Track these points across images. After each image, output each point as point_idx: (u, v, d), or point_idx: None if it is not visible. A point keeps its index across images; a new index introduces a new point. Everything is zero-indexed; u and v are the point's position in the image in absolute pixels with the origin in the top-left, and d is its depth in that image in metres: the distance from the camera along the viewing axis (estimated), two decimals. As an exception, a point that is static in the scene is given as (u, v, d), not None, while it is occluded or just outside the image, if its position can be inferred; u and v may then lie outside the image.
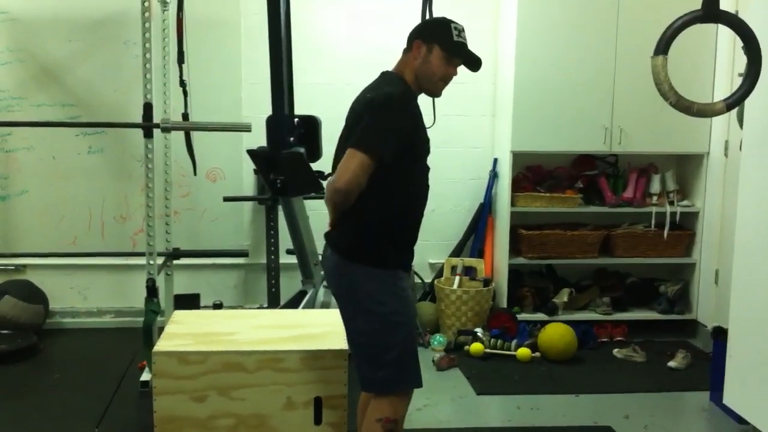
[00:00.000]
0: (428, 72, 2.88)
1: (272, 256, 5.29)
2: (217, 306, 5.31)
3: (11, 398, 4.24)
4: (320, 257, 4.93)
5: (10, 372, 4.62)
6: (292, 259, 4.97)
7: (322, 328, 3.20)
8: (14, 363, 4.73)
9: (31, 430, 3.83)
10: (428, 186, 2.99)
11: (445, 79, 2.93)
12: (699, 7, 3.13)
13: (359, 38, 5.48)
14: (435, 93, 2.96)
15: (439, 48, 2.86)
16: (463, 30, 2.91)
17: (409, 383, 2.90)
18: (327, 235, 3.00)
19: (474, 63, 2.94)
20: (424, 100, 2.93)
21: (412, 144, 2.81)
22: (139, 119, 4.31)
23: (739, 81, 3.24)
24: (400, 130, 2.75)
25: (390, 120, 2.75)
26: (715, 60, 5.18)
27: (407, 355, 2.87)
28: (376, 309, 2.81)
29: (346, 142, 2.80)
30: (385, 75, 2.95)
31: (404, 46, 2.96)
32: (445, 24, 2.90)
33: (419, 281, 5.60)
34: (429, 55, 2.87)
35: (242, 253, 5.41)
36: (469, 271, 5.49)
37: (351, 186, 2.69)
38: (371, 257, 2.82)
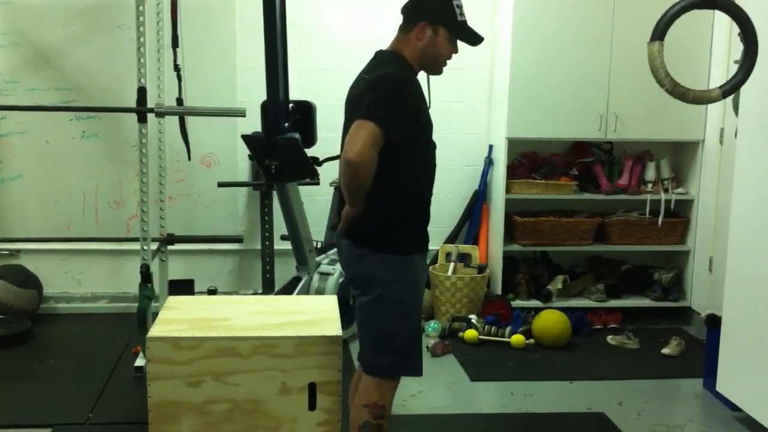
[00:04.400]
0: (435, 54, 2.85)
1: (267, 242, 5.28)
2: (212, 292, 5.31)
3: (5, 383, 4.23)
4: (317, 243, 4.94)
5: (4, 357, 4.61)
6: (287, 245, 4.97)
7: (317, 314, 3.20)
8: (8, 348, 4.72)
9: (26, 415, 3.83)
10: (435, 164, 2.97)
11: (449, 59, 2.91)
12: (695, -7, 3.12)
13: (355, 23, 5.45)
14: (438, 72, 2.94)
15: (445, 30, 2.83)
16: (462, 5, 2.88)
17: (411, 370, 2.92)
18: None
19: (476, 40, 2.91)
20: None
21: (417, 124, 2.78)
22: (133, 104, 4.29)
23: (734, 68, 3.23)
24: (403, 110, 2.72)
25: (393, 99, 2.71)
26: (711, 47, 5.17)
27: (413, 343, 2.89)
28: (388, 295, 2.82)
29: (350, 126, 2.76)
30: (380, 55, 2.91)
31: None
32: (447, 2, 2.85)
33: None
34: (435, 36, 2.83)
35: (237, 239, 5.40)
36: (464, 258, 5.49)
37: (363, 158, 2.59)
38: (387, 244, 2.82)
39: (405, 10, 2.90)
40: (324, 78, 5.38)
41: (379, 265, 2.82)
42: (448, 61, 2.93)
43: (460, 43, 2.92)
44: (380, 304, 2.84)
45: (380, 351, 2.87)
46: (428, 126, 2.88)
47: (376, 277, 2.82)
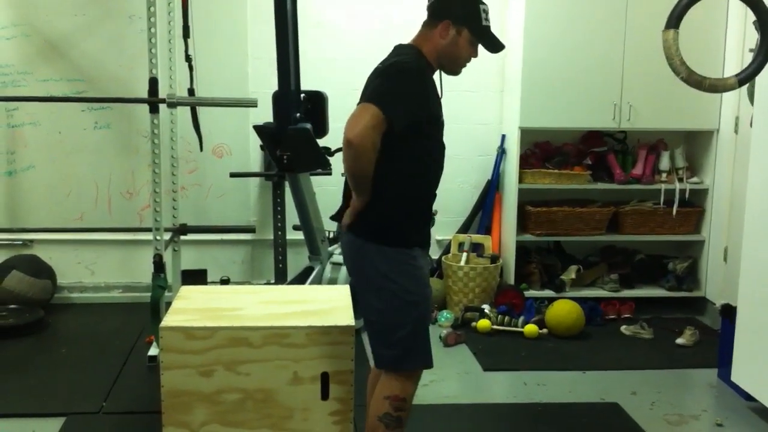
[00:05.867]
0: (455, 54, 2.83)
1: (279, 232, 5.28)
2: (224, 282, 5.32)
3: (19, 373, 4.26)
4: (329, 233, 4.94)
5: (18, 346, 4.64)
6: (299, 235, 4.97)
7: (329, 303, 3.20)
8: (22, 338, 4.75)
9: (39, 405, 3.85)
10: (442, 163, 2.94)
11: (468, 61, 2.89)
12: (711, -20, 3.09)
13: (366, 12, 5.43)
14: (455, 73, 2.92)
15: (469, 32, 2.80)
16: (488, 10, 2.85)
17: (418, 362, 2.89)
18: (337, 218, 2.98)
19: (497, 47, 2.89)
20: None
21: (424, 117, 2.75)
22: (144, 94, 4.29)
23: (749, 56, 3.20)
24: (411, 100, 2.69)
25: (402, 88, 2.69)
26: (725, 35, 5.12)
27: (418, 335, 2.86)
28: (389, 287, 2.79)
29: None
30: (399, 47, 2.89)
31: (413, 19, 2.89)
32: (474, 4, 2.82)
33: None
34: (458, 37, 2.80)
35: (249, 229, 5.40)
36: (477, 248, 5.48)
37: (363, 140, 2.58)
38: (386, 236, 2.80)
39: (431, 7, 2.87)
40: (335, 68, 5.36)
41: (379, 256, 2.80)
42: (467, 63, 2.91)
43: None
44: (381, 296, 2.82)
45: (384, 343, 2.85)
46: (435, 121, 2.85)
47: (376, 268, 2.80)
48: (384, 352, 2.87)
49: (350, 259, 2.96)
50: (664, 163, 5.43)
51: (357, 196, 2.79)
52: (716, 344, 4.40)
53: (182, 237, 5.08)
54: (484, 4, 2.85)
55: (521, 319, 4.98)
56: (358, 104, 2.72)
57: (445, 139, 2.93)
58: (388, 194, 2.78)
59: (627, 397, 4.07)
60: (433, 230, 5.47)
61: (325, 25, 5.43)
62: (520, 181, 5.33)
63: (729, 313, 4.08)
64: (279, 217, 5.29)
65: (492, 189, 5.63)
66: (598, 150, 5.51)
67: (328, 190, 5.22)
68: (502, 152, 5.58)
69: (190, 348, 2.88)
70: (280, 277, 5.25)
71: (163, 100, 4.30)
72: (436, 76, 2.90)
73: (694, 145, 5.54)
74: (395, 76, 2.71)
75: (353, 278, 2.98)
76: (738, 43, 4.96)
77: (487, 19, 2.84)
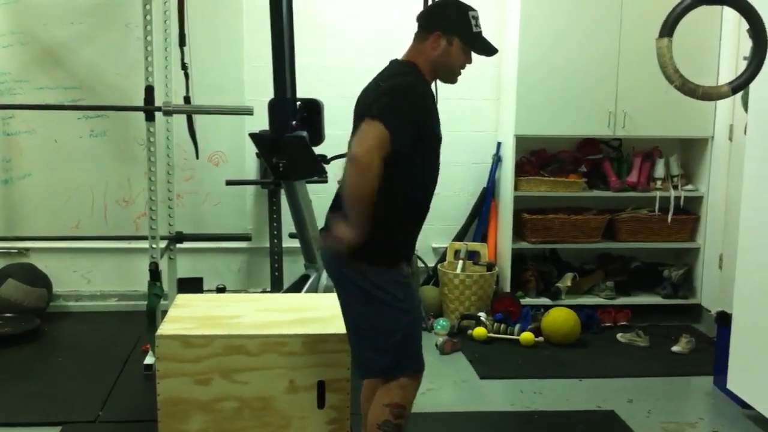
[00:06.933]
0: (448, 64, 2.82)
1: (275, 240, 5.28)
2: (221, 290, 5.31)
3: (15, 381, 4.24)
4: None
5: (14, 355, 4.62)
6: (295, 243, 4.97)
7: (326, 311, 3.20)
8: (18, 346, 4.74)
9: (35, 413, 3.84)
10: (436, 180, 2.92)
11: (463, 68, 2.89)
12: (705, -12, 3.10)
13: (363, 20, 5.43)
14: (452, 82, 2.92)
15: (460, 41, 2.80)
16: (478, 16, 2.84)
17: (410, 368, 2.86)
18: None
19: (491, 51, 2.90)
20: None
21: (423, 135, 2.74)
22: (141, 102, 4.30)
23: (743, 64, 3.22)
24: (412, 122, 2.68)
25: (403, 109, 2.67)
26: (719, 43, 5.14)
27: (410, 341, 2.84)
28: (379, 296, 2.77)
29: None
30: (395, 64, 2.87)
31: (410, 27, 2.89)
32: (463, 13, 2.82)
33: (422, 266, 5.59)
34: (449, 47, 2.79)
35: (245, 237, 5.40)
36: (473, 256, 5.48)
37: (370, 157, 2.55)
38: (375, 257, 2.75)
39: (421, 19, 2.87)
40: (331, 76, 5.36)
41: (367, 272, 2.77)
42: (462, 71, 2.91)
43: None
44: (370, 304, 2.78)
45: (375, 350, 2.82)
46: (434, 139, 2.84)
47: (361, 278, 2.76)
48: (374, 358, 2.83)
49: (335, 271, 2.90)
50: (659, 170, 5.45)
51: (353, 228, 2.64)
52: (712, 352, 4.40)
53: (178, 245, 5.09)
54: (473, 10, 2.84)
55: (517, 326, 4.98)
56: (357, 126, 2.71)
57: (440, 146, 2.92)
58: (378, 214, 2.68)
59: (623, 404, 4.07)
60: (429, 238, 5.58)
61: (323, 32, 5.43)
62: (516, 188, 5.34)
63: (724, 320, 4.08)
64: (275, 224, 5.29)
65: (488, 196, 5.64)
66: (594, 157, 5.52)
67: (324, 197, 5.20)
68: (497, 160, 5.59)
69: (187, 356, 2.88)
70: (276, 285, 5.24)
71: (159, 108, 4.31)
72: (431, 85, 2.90)
73: (689, 152, 5.55)
74: (402, 98, 2.68)
75: (338, 289, 2.92)
76: (732, 51, 4.97)
77: (477, 26, 2.83)
